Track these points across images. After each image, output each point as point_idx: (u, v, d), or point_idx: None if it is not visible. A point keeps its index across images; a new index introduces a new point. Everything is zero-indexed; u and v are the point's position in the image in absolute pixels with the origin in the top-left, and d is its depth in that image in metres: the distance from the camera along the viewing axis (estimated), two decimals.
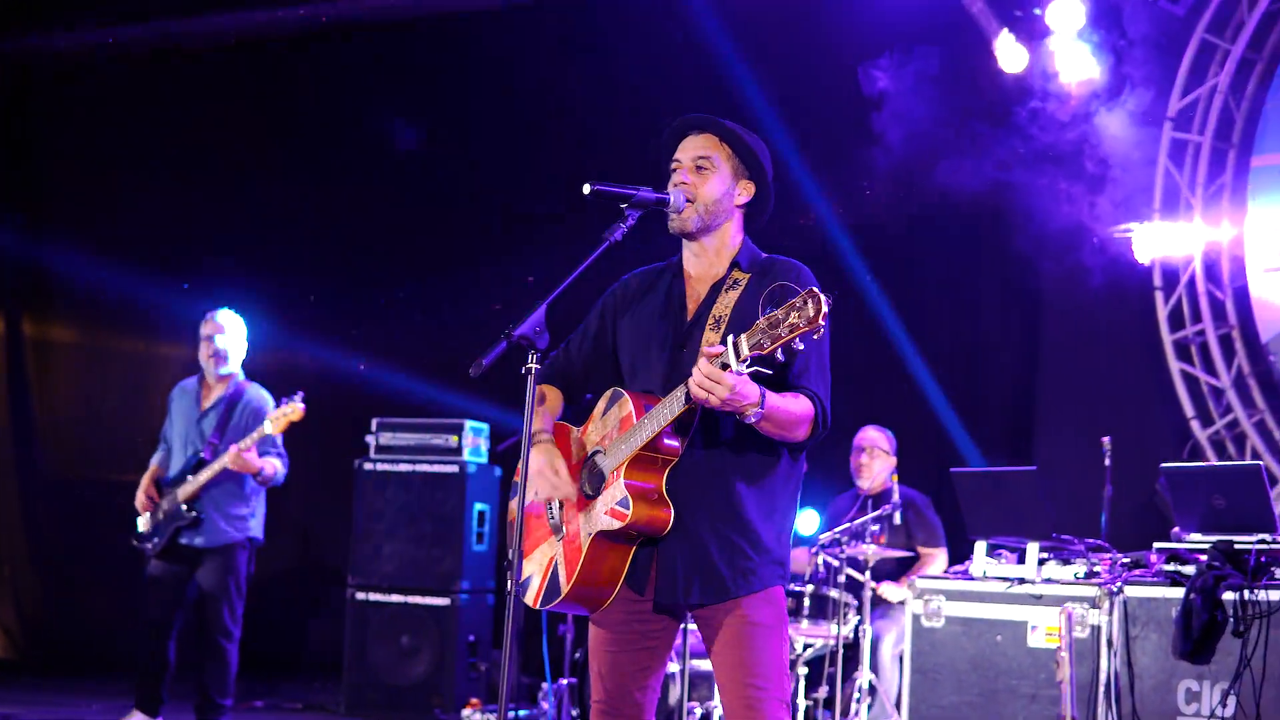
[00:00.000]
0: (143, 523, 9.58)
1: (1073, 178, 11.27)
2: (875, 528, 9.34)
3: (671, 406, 4.60)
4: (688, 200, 4.91)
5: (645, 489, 4.69)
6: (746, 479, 4.82)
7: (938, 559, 9.92)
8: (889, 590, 9.61)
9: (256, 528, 9.61)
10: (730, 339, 4.40)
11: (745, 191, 5.04)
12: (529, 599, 5.03)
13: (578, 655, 9.93)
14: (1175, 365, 11.47)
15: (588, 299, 5.24)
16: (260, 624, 12.11)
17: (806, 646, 9.35)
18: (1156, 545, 7.92)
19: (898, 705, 9.10)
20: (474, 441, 11.46)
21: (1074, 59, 11.33)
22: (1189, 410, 11.37)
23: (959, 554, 9.55)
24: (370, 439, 11.56)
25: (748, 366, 4.39)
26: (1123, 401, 11.77)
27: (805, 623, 9.24)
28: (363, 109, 13.80)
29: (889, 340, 12.05)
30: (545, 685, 10.55)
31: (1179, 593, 7.45)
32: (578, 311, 5.25)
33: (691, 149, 5.00)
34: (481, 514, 11.41)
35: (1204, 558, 7.50)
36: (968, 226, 12.18)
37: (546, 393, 5.19)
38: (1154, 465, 10.42)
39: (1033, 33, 11.55)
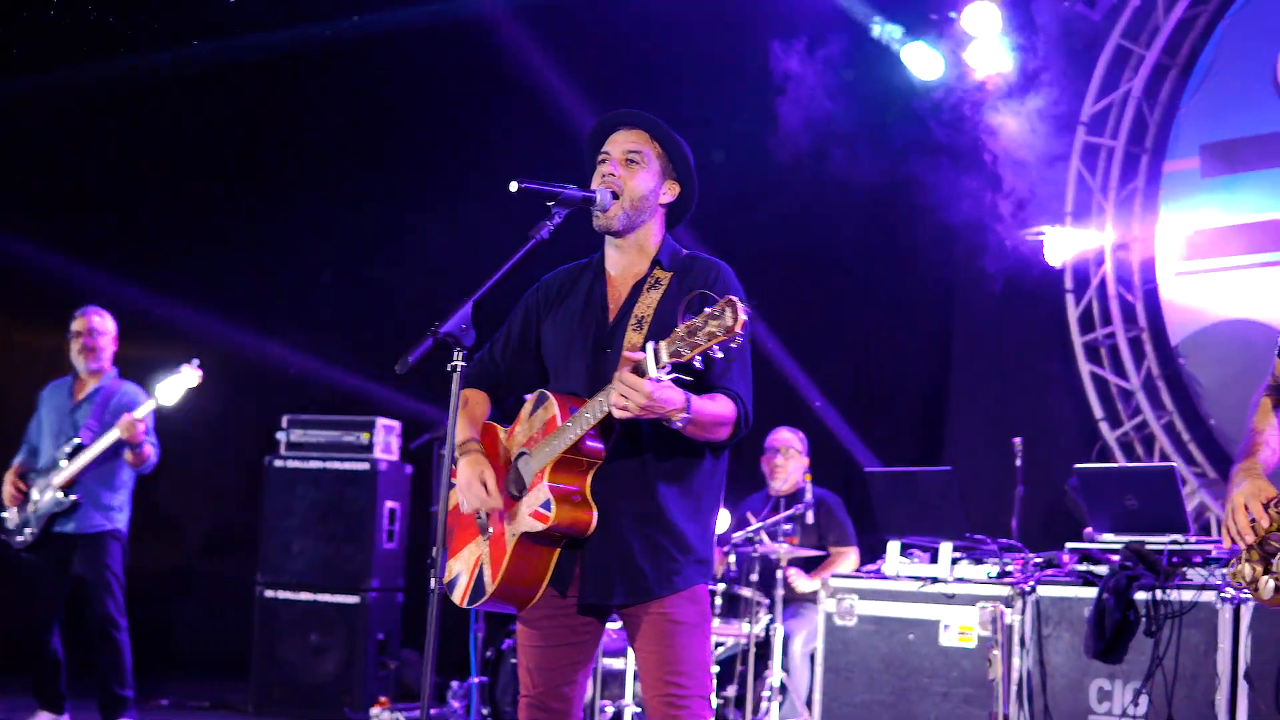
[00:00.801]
0: (11, 516, 9.48)
1: (985, 180, 11.36)
2: (788, 527, 9.35)
3: (594, 411, 4.58)
4: (614, 196, 4.89)
5: (569, 491, 4.69)
6: (670, 480, 4.81)
7: (848, 558, 9.93)
8: (800, 581, 9.62)
9: (124, 521, 9.56)
10: (650, 346, 4.38)
11: (670, 191, 5.03)
12: (456, 597, 5.01)
13: (489, 654, 9.88)
14: (1085, 367, 11.58)
15: (514, 296, 5.21)
16: (168, 621, 12.01)
17: (718, 645, 9.36)
18: (1069, 545, 7.97)
19: (809, 704, 9.11)
20: (385, 439, 11.38)
21: (989, 63, 11.41)
22: (1098, 412, 11.48)
23: (868, 555, 9.60)
24: (281, 436, 11.45)
25: (668, 374, 4.38)
26: (1032, 403, 11.87)
27: (717, 621, 9.23)
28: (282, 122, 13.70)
29: (794, 339, 12.09)
30: (454, 684, 10.51)
31: (1091, 592, 7.50)
32: (505, 307, 5.22)
33: (622, 142, 4.98)
34: (392, 512, 11.32)
35: (1116, 558, 7.56)
36: (878, 225, 12.24)
37: (471, 397, 5.16)
38: (1063, 466, 10.53)
39: (948, 34, 11.63)
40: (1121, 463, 10.97)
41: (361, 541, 11.12)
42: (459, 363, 4.63)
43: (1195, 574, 7.33)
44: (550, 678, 4.93)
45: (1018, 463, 9.41)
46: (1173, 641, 7.20)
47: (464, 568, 5.03)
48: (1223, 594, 7.09)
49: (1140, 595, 7.32)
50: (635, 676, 8.91)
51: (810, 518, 9.48)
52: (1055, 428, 11.66)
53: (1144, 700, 7.23)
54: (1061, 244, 11.57)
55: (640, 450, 4.78)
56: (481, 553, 4.93)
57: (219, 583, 13.18)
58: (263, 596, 11.21)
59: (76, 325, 9.69)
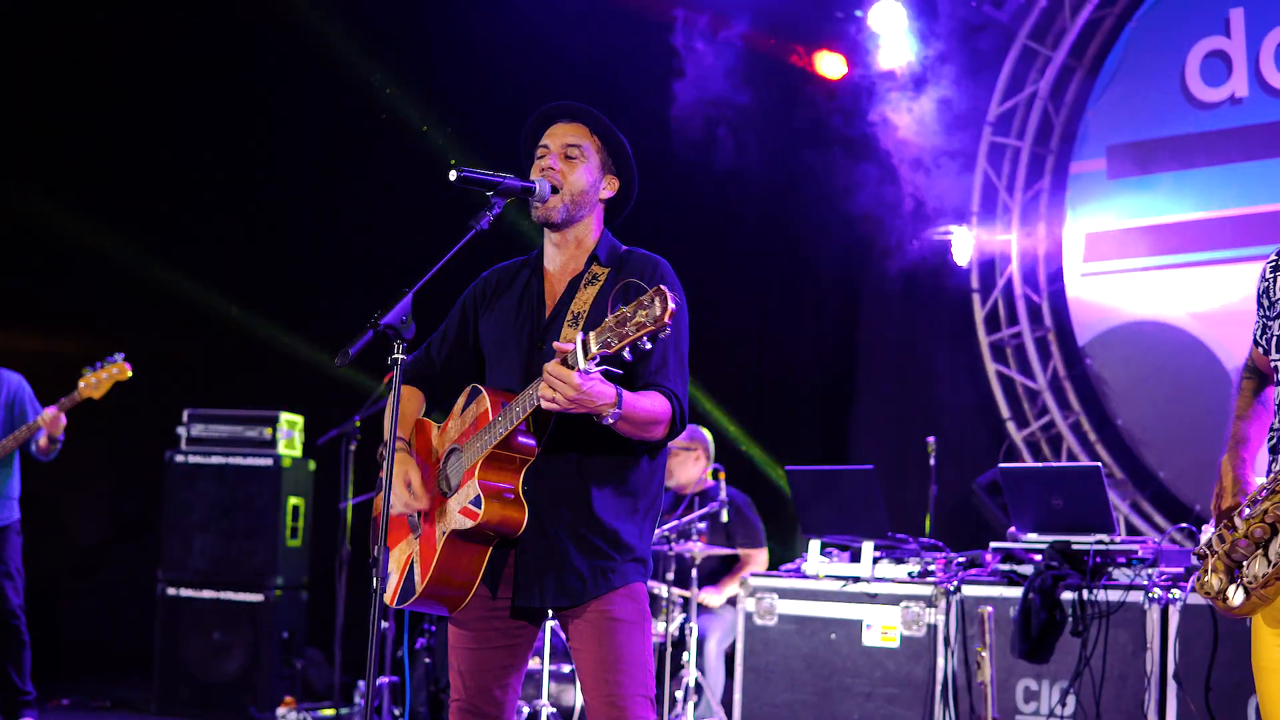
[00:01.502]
0: None
1: (891, 178, 11.35)
2: (701, 526, 9.30)
3: (524, 404, 4.49)
4: (554, 189, 4.81)
5: (500, 488, 4.58)
6: (606, 479, 4.72)
7: (758, 560, 9.90)
8: (710, 597, 9.60)
9: (18, 511, 9.44)
10: (579, 337, 4.28)
11: (610, 186, 4.95)
12: (386, 597, 4.89)
13: (399, 653, 9.76)
14: (992, 367, 11.64)
15: (448, 287, 5.11)
16: (68, 619, 11.80)
17: None
18: (993, 545, 7.97)
19: (724, 703, 9.08)
20: (288, 434, 11.21)
21: (895, 61, 11.44)
22: (1005, 411, 11.54)
23: (778, 555, 9.59)
24: (181, 430, 11.25)
25: (597, 365, 4.30)
26: (938, 403, 11.89)
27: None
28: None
29: (691, 336, 12.00)
30: (361, 684, 10.38)
31: (1016, 592, 7.51)
32: (438, 299, 5.12)
33: (561, 136, 4.88)
34: (295, 508, 11.15)
35: (1039, 557, 7.56)
36: (784, 222, 12.21)
37: (403, 394, 5.05)
38: (969, 466, 10.58)
39: (854, 34, 11.65)
40: (1029, 462, 11.02)
41: (265, 538, 10.95)
42: (399, 356, 4.53)
43: (1121, 574, 7.35)
44: (482, 680, 4.82)
45: (931, 462, 9.41)
46: (1100, 641, 7.22)
47: (395, 567, 4.94)
48: (1150, 594, 7.12)
49: (1066, 595, 7.33)
50: (551, 677, 8.84)
51: (725, 516, 9.42)
52: (961, 428, 11.69)
53: (1071, 700, 7.25)
54: (968, 243, 11.63)
55: (576, 449, 4.69)
56: (412, 551, 4.84)
57: (119, 580, 12.95)
58: (164, 594, 11.01)
59: None
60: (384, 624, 9.74)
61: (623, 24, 12.03)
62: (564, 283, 4.89)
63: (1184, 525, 7.92)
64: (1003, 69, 11.63)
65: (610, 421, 4.43)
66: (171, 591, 11.00)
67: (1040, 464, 10.66)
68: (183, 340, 12.96)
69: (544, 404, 4.35)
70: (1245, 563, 4.21)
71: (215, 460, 11.13)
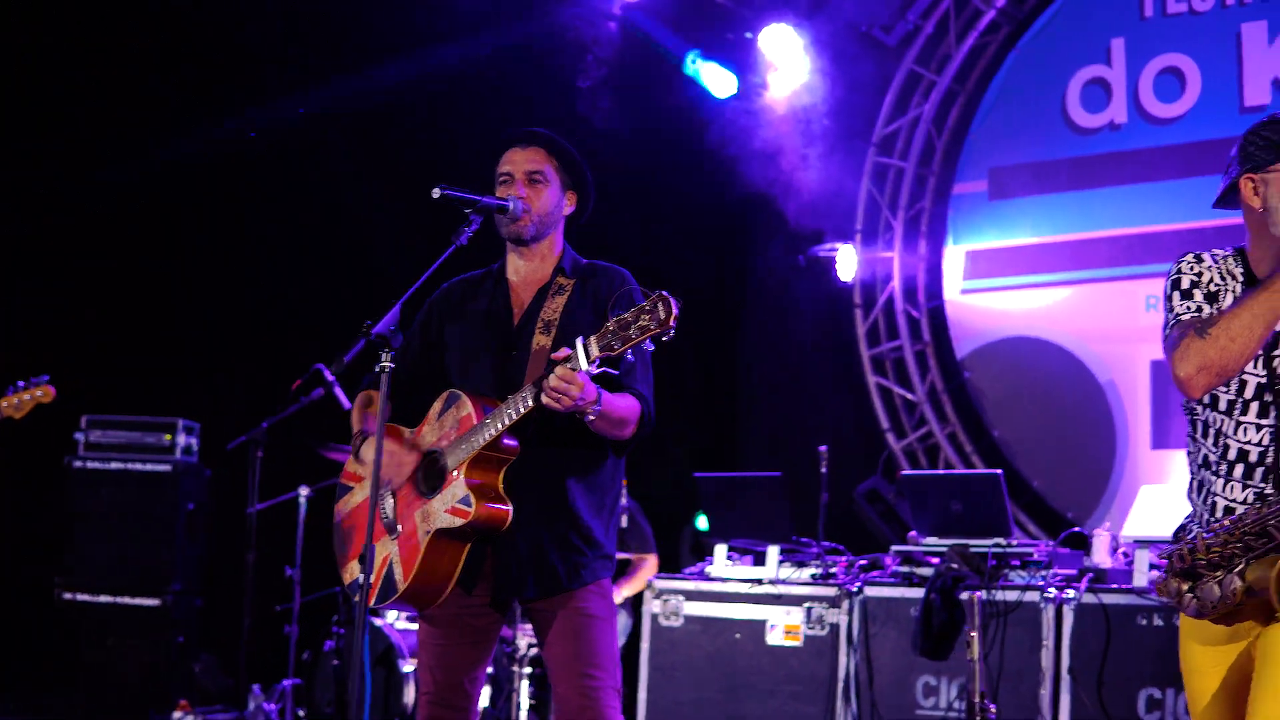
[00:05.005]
0: None
1: (780, 197, 11.61)
2: None
3: (517, 407, 4.74)
4: (525, 210, 5.09)
5: (485, 486, 4.83)
6: (577, 476, 5.01)
7: (651, 563, 10.12)
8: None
9: None
10: (580, 341, 4.57)
11: (571, 202, 5.26)
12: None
13: (305, 656, 9.88)
14: (872, 379, 11.99)
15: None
16: None
17: (531, 646, 9.42)
18: (893, 548, 8.32)
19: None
20: (186, 440, 11.28)
21: (784, 83, 11.70)
22: (884, 423, 11.88)
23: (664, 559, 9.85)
24: (79, 436, 11.27)
25: (597, 368, 4.58)
26: (819, 413, 12.19)
27: (530, 624, 9.30)
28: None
29: None
30: (255, 688, 10.46)
31: (915, 593, 7.84)
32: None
33: (522, 162, 5.17)
34: (192, 514, 11.22)
35: (938, 560, 7.89)
36: (663, 235, 12.39)
37: (374, 396, 5.27)
38: (849, 475, 10.86)
39: (745, 55, 11.90)
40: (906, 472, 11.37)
41: (163, 543, 11.00)
42: (387, 364, 4.75)
43: (1017, 575, 7.70)
44: (452, 674, 5.07)
45: (823, 470, 9.68)
46: (998, 639, 7.57)
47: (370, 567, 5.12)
48: (1046, 594, 7.47)
49: (965, 595, 7.66)
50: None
51: (624, 522, 9.65)
52: (842, 438, 11.94)
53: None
54: (851, 260, 11.97)
55: (550, 447, 4.95)
56: (390, 552, 5.03)
57: (15, 586, 12.88)
58: (61, 599, 11.03)
59: None
60: (287, 628, 9.88)
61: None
62: (530, 292, 5.17)
63: (1076, 530, 8.25)
64: (888, 92, 12.00)
65: (591, 418, 4.71)
66: (69, 596, 11.01)
67: (942, 471, 11.04)
68: (81, 345, 12.91)
69: (545, 402, 4.61)
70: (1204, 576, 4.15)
71: (114, 466, 11.16)
